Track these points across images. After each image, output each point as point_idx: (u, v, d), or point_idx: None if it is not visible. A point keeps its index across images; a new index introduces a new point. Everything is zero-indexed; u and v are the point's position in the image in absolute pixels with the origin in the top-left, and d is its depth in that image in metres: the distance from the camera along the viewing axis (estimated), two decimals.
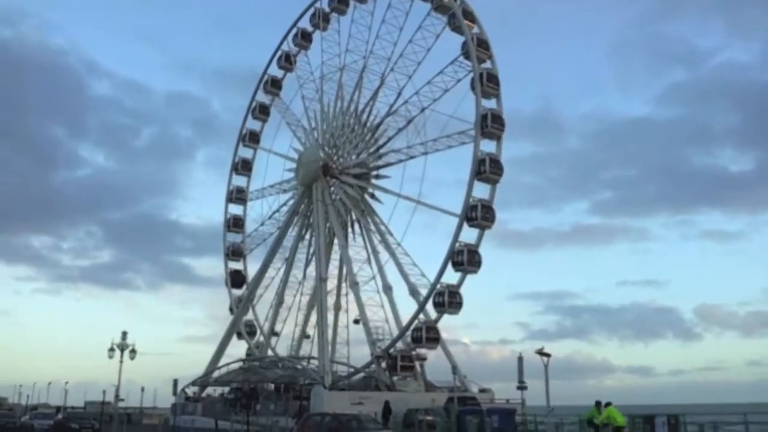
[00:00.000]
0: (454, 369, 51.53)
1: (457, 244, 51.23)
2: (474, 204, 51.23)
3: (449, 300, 51.28)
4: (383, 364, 53.89)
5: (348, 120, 64.10)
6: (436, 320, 52.48)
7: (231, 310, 69.99)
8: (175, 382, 52.42)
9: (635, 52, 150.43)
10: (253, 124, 76.11)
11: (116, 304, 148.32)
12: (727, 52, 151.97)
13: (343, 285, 64.53)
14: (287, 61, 72.79)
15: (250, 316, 70.12)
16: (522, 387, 42.47)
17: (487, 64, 55.59)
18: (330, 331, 60.58)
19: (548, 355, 41.47)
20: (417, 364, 53.67)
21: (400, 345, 54.05)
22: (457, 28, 56.62)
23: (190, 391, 61.73)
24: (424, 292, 52.83)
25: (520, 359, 48.91)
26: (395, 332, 55.41)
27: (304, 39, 71.44)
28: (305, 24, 71.49)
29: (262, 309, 68.75)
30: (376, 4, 64.22)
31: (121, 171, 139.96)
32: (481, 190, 52.45)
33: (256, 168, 75.83)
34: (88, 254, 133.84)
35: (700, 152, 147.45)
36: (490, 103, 54.44)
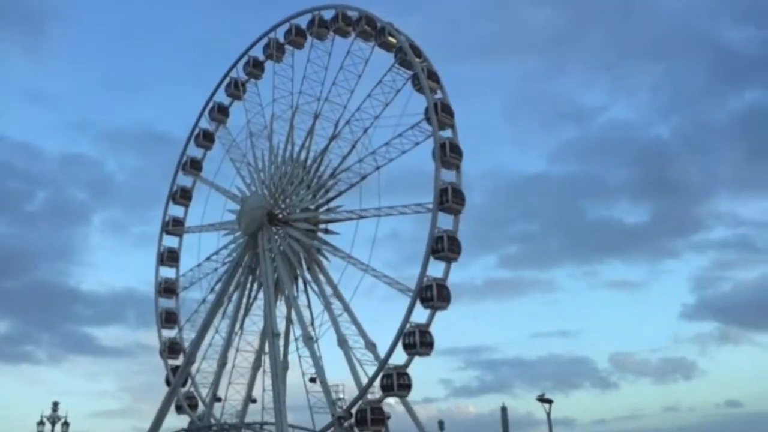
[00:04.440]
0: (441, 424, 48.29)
1: (408, 325, 47.61)
2: (428, 284, 47.83)
3: (421, 340, 47.28)
4: (346, 425, 49.23)
5: (297, 169, 60.13)
6: (406, 365, 48.12)
7: (167, 382, 62.71)
8: None
9: (527, 110, 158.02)
10: (183, 180, 70.88)
11: (16, 380, 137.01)
12: (612, 109, 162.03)
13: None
14: (220, 112, 69.31)
15: (188, 387, 62.99)
16: None
17: (449, 132, 52.41)
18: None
19: (550, 401, 39.12)
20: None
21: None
22: (421, 89, 53.14)
23: None
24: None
25: (504, 410, 46.49)
26: (354, 390, 50.92)
27: (236, 89, 68.26)
28: (239, 74, 68.45)
29: (201, 377, 62.08)
30: (312, 49, 62.14)
31: (14, 236, 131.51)
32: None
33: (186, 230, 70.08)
34: None
35: (596, 206, 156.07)
36: (450, 175, 51.03)
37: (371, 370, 49.98)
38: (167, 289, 67.99)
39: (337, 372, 54.42)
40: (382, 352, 50.18)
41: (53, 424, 42.30)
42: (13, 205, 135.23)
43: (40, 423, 42.35)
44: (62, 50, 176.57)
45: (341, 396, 51.38)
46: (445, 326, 49.23)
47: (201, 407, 61.45)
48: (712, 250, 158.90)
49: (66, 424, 42.78)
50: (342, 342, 52.68)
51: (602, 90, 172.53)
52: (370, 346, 51.98)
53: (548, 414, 39.17)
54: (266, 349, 57.77)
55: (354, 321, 53.84)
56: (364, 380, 50.13)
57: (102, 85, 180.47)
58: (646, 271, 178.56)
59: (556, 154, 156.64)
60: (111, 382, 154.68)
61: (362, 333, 53.02)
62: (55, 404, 42.84)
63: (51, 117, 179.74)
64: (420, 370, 48.92)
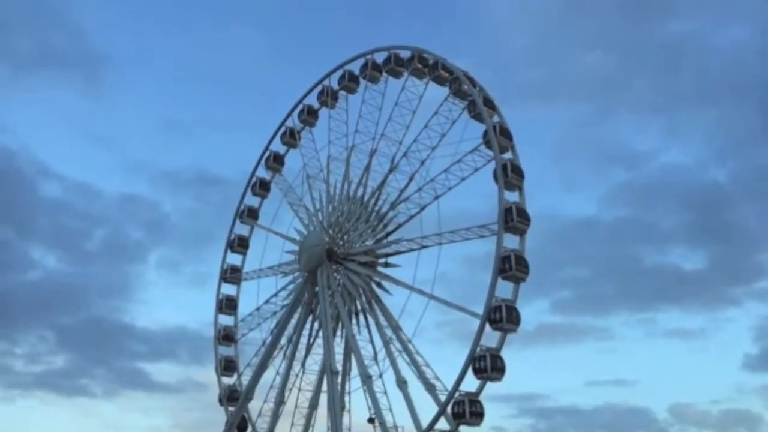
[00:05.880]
0: None
1: (478, 349, 45.94)
2: (497, 305, 46.29)
3: (491, 365, 45.42)
4: None
5: (355, 205, 59.92)
6: (478, 392, 46.14)
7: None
8: None
9: (576, 154, 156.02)
10: (240, 228, 71.63)
11: (73, 413, 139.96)
12: (666, 154, 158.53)
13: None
14: (276, 161, 70.54)
15: None
16: None
17: (509, 155, 51.97)
18: None
19: None
20: None
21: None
22: (477, 116, 53.35)
23: None
24: (441, 398, 47.48)
25: None
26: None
27: (292, 137, 69.69)
28: (294, 123, 70.09)
29: (262, 421, 60.31)
30: (366, 90, 63.14)
31: (72, 274, 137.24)
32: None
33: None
34: (41, 360, 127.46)
35: (651, 251, 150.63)
36: (512, 196, 50.22)
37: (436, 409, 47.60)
38: (226, 336, 67.57)
39: (401, 411, 52.36)
40: (441, 394, 48.13)
41: None
42: (73, 244, 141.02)
43: None
44: (121, 94, 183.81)
45: None
46: None
47: None
48: None
49: None
50: (401, 383, 50.88)
51: (654, 134, 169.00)
52: (430, 387, 49.44)
53: None
54: (324, 387, 56.30)
55: (413, 361, 51.77)
56: (424, 423, 47.75)
57: (159, 128, 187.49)
58: (705, 320, 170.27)
59: (608, 198, 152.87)
60: (164, 418, 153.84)
61: (421, 373, 50.67)
62: None
63: (109, 158, 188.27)
64: None
